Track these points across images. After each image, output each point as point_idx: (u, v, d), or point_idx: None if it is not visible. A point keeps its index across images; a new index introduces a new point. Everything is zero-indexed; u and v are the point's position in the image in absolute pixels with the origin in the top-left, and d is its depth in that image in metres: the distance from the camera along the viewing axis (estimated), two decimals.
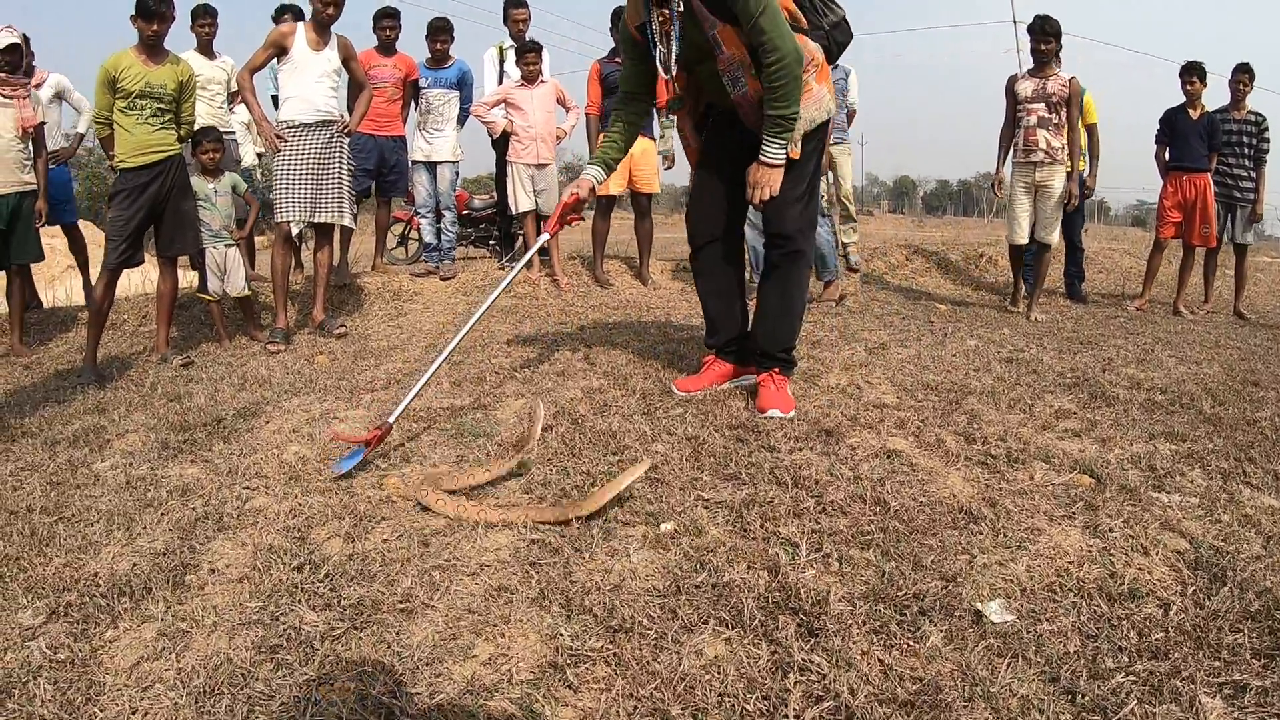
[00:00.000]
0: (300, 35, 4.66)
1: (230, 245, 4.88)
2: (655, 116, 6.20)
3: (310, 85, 4.67)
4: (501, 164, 6.40)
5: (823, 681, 1.51)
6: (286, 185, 4.68)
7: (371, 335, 5.00)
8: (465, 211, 10.53)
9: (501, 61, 6.56)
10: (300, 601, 1.85)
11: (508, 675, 1.53)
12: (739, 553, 1.98)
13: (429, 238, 6.55)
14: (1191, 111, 6.33)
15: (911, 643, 1.67)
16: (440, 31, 6.17)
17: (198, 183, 4.78)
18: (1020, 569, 2.00)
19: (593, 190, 3.39)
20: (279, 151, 4.66)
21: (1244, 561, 2.09)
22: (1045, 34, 5.46)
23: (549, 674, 1.54)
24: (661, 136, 3.22)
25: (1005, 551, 2.07)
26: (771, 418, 3.03)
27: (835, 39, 3.26)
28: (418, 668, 1.58)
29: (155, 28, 4.26)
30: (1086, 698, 1.55)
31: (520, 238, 6.85)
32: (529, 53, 6.04)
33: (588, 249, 7.17)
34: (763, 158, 3.01)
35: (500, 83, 6.49)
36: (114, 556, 2.15)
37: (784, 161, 3.01)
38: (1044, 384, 3.68)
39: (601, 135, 3.55)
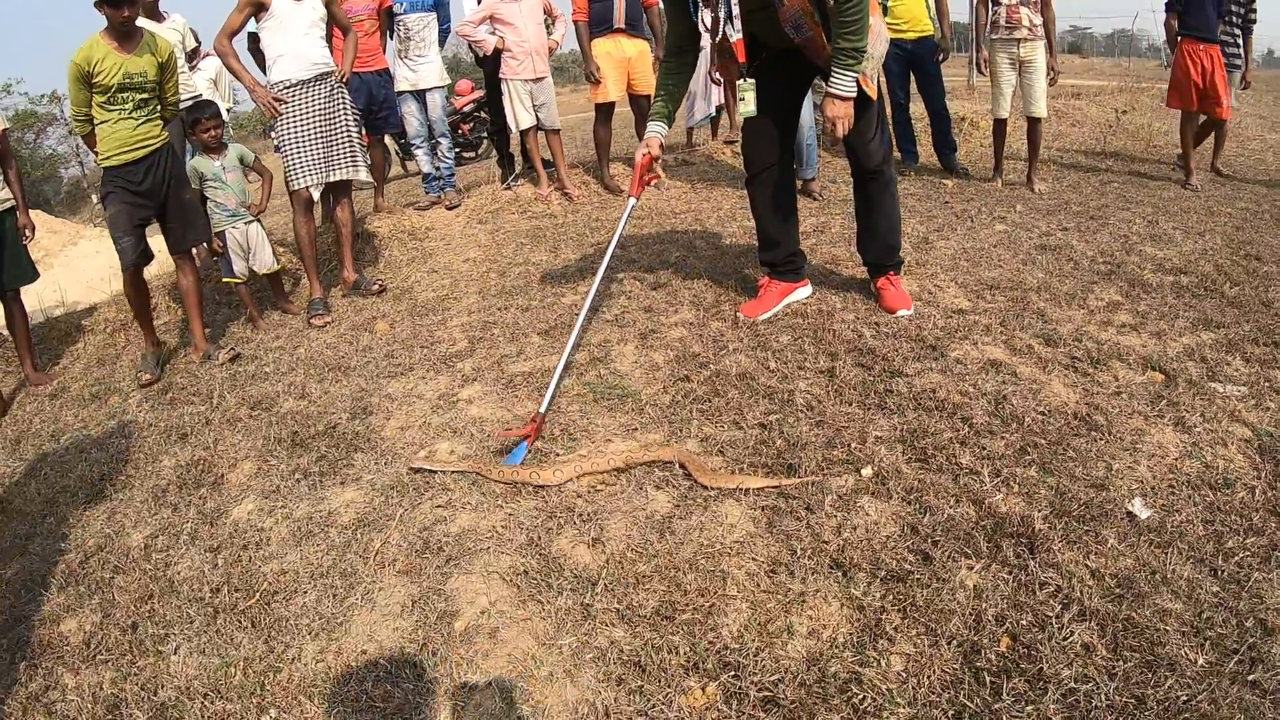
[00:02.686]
0: None
1: (250, 222, 4.96)
2: (644, 16, 6.47)
3: (299, 39, 4.67)
4: (494, 83, 6.52)
5: (1061, 592, 2.18)
6: (297, 148, 4.72)
7: (413, 287, 5.22)
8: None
9: None
10: (606, 624, 2.20)
11: (833, 641, 2.10)
12: (941, 489, 2.60)
13: (426, 168, 6.66)
14: None
15: (1099, 546, 2.35)
16: None
17: (203, 162, 4.80)
18: (1143, 469, 2.71)
19: (662, 146, 3.78)
20: (279, 115, 4.68)
21: None
22: None
23: (868, 632, 2.12)
24: (743, 99, 3.64)
25: (1126, 455, 2.77)
26: (901, 317, 3.82)
27: None
28: (758, 651, 2.09)
29: (125, 13, 4.13)
30: (1224, 573, 2.27)
31: (523, 156, 7.01)
32: None
33: (587, 157, 7.44)
34: (835, 91, 3.39)
35: None
36: (370, 631, 2.30)
37: (855, 93, 3.43)
38: (1085, 274, 4.38)
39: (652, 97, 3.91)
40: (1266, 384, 3.27)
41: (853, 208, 4.11)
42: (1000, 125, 6.64)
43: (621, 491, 2.76)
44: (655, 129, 3.75)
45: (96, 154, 4.34)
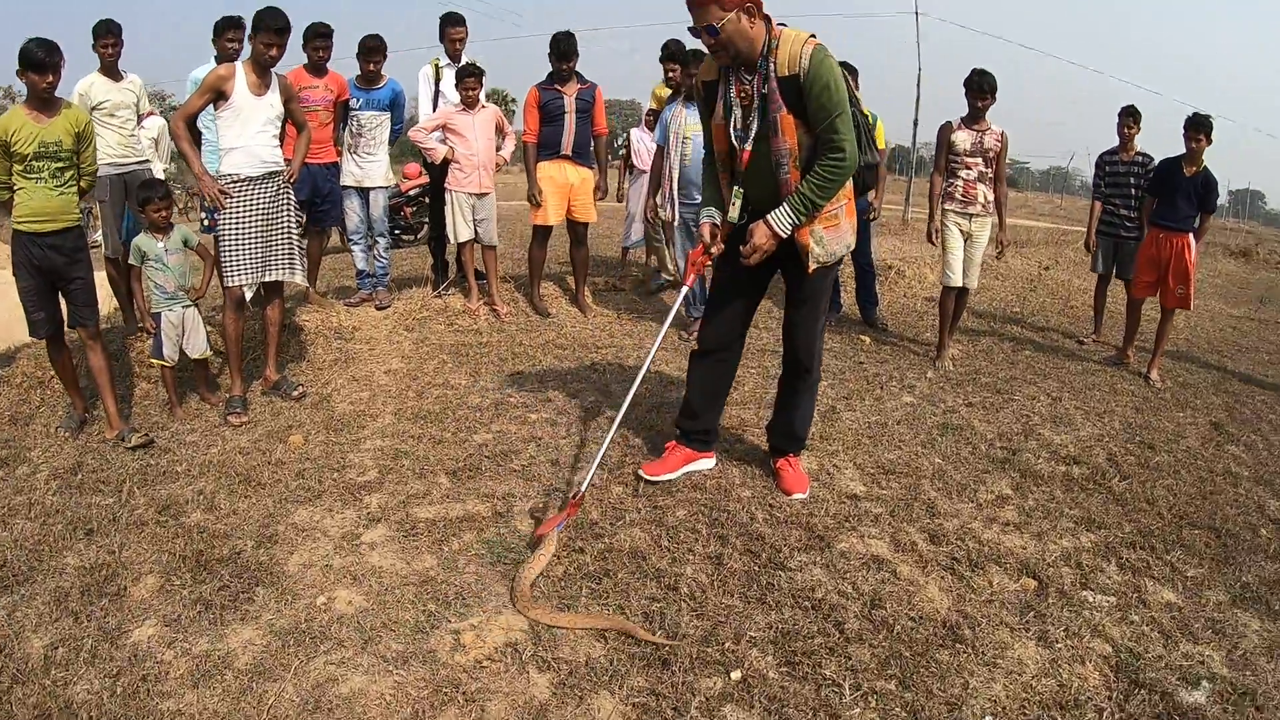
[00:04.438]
0: (240, 78, 4.84)
1: (188, 306, 5.11)
2: (592, 146, 6.86)
3: (254, 135, 4.89)
4: (438, 190, 6.85)
5: None
6: (236, 246, 4.90)
7: (331, 395, 5.38)
8: None
9: (437, 80, 6.94)
10: None
11: None
12: (802, 700, 2.78)
13: (361, 265, 6.91)
14: (1187, 167, 6.65)
15: None
16: (374, 51, 6.46)
17: (147, 241, 4.96)
18: (999, 688, 2.92)
19: (715, 230, 3.92)
20: (224, 209, 4.87)
21: (1150, 662, 3.11)
22: (983, 91, 6.29)
23: None
24: (733, 204, 4.00)
25: (985, 671, 2.99)
26: (795, 500, 4.06)
27: (864, 178, 3.97)
28: None
29: (49, 80, 4.39)
30: None
31: (457, 265, 7.29)
32: (469, 77, 6.46)
33: (520, 272, 7.79)
34: (773, 223, 3.62)
35: (435, 102, 6.91)
36: None
37: (787, 235, 3.64)
38: (981, 461, 4.71)
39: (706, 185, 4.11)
40: (1135, 594, 3.55)
41: (768, 366, 4.43)
42: (948, 294, 6.70)
43: (505, 670, 2.90)
44: (706, 214, 3.97)
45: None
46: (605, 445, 3.91)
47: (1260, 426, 5.89)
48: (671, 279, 7.80)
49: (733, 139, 3.75)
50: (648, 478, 4.15)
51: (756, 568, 3.52)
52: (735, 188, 3.81)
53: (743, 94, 3.66)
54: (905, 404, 5.55)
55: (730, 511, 3.92)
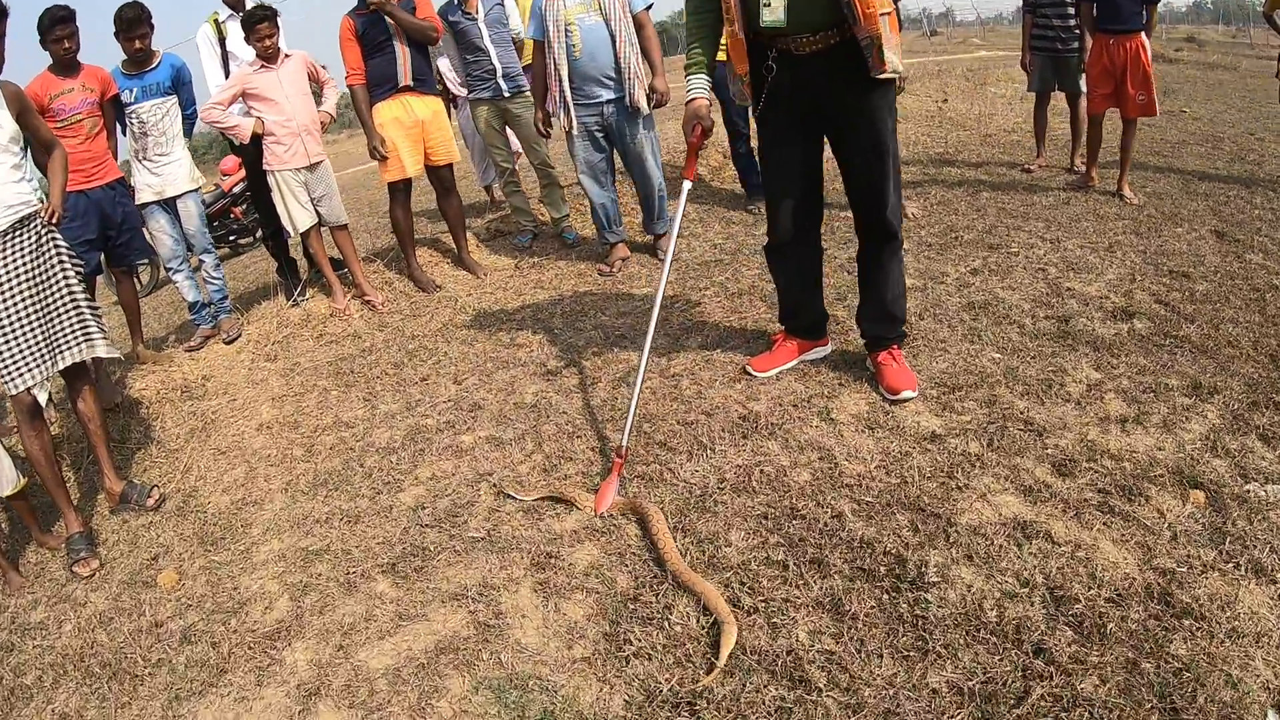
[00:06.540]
0: None
1: None
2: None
3: None
4: (258, 175, 5.60)
5: None
6: (3, 337, 3.60)
7: (198, 487, 4.15)
8: None
9: (222, 40, 5.60)
10: None
11: None
12: None
13: (191, 296, 5.61)
14: None
15: None
16: (136, 24, 5.02)
17: None
18: (1260, 665, 2.24)
19: (709, 106, 3.58)
20: None
21: None
22: None
23: None
24: (768, 5, 3.26)
25: (1235, 649, 2.27)
26: (904, 399, 3.57)
27: None
28: None
29: None
30: None
31: (307, 260, 6.14)
32: (259, 23, 5.20)
33: (385, 245, 6.72)
34: None
35: (226, 68, 5.58)
36: None
37: None
38: (1040, 343, 4.00)
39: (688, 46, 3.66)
40: None
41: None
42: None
43: None
44: (699, 86, 3.59)
45: None
46: (635, 397, 3.44)
47: (1258, 226, 5.51)
48: (536, 230, 6.73)
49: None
50: (755, 373, 3.95)
51: (886, 596, 2.63)
52: None
53: None
54: (910, 289, 4.74)
55: (805, 515, 3.02)
